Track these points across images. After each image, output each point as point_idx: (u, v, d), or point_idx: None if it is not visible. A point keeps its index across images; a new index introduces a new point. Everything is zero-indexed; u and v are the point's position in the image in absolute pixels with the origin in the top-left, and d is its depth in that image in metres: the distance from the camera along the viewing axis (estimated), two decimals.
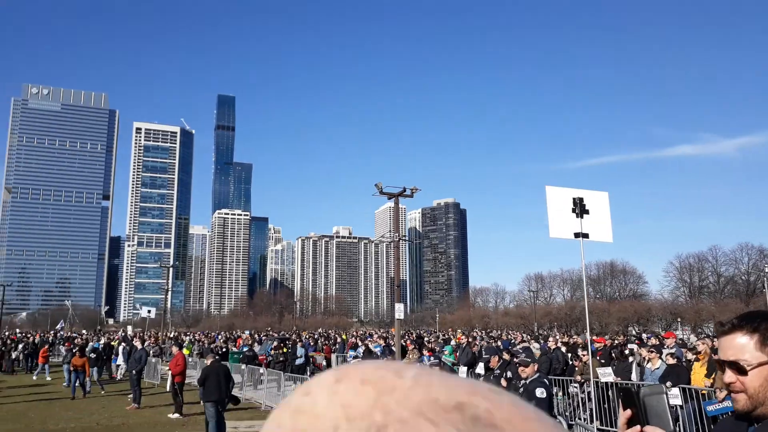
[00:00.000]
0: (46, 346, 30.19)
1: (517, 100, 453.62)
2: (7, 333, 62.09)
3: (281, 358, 24.24)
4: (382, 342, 28.70)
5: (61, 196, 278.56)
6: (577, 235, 11.98)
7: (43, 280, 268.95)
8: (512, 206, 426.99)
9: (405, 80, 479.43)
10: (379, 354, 23.52)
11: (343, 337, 42.09)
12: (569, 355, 18.69)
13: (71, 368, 20.25)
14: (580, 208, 11.99)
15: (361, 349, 24.78)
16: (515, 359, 10.00)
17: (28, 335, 50.20)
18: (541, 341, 31.04)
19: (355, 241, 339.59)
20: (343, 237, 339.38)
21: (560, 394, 14.52)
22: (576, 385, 14.44)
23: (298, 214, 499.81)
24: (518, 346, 18.33)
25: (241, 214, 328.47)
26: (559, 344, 21.69)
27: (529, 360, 7.99)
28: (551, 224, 11.99)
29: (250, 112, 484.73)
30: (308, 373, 22.16)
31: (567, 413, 14.15)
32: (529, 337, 42.39)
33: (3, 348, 33.65)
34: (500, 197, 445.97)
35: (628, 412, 1.86)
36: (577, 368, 15.28)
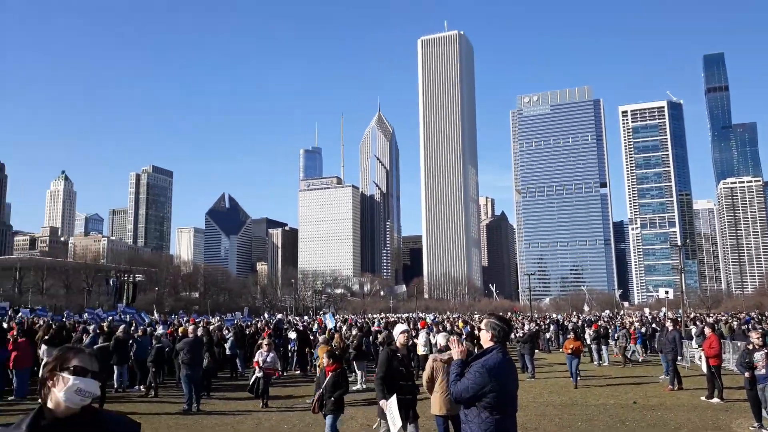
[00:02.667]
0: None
1: None
2: (537, 316, 69.98)
3: None
4: None
5: (562, 189, 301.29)
6: None
7: (558, 267, 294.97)
8: None
9: None
10: None
11: None
12: None
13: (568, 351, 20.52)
14: None
15: None
16: None
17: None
18: None
19: None
20: None
21: None
22: None
23: None
24: None
25: (750, 181, 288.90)
26: None
27: None
28: None
29: (743, 66, 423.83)
30: None
31: None
32: None
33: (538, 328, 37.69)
34: None
35: None
36: None
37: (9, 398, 15.08)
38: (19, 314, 30.86)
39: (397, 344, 8.87)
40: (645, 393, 16.94)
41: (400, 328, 9.38)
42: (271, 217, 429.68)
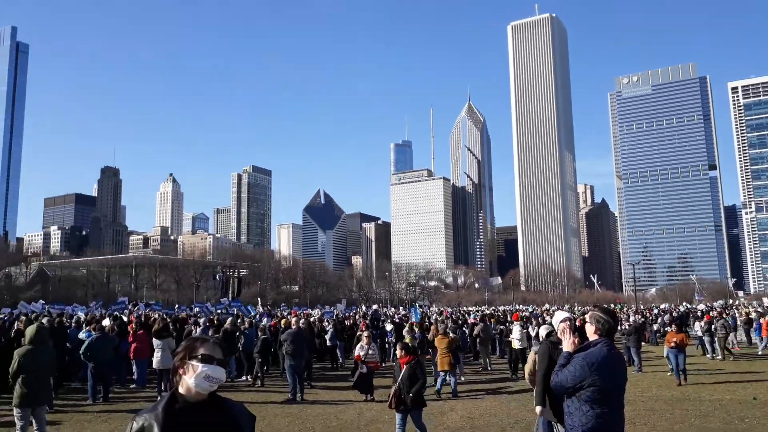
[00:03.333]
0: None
1: None
2: (642, 307, 66.73)
3: None
4: None
5: (667, 173, 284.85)
6: None
7: (664, 256, 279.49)
8: None
9: None
10: None
11: None
12: None
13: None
14: None
15: None
16: None
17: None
18: None
19: None
20: None
21: None
22: None
23: None
24: None
25: None
26: None
27: None
28: None
29: None
30: None
31: None
32: None
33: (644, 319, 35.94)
34: None
35: None
36: None
37: (131, 386, 16.34)
38: (137, 308, 33.29)
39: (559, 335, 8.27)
40: (766, 389, 15.73)
41: (560, 315, 8.96)
42: (364, 212, 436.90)
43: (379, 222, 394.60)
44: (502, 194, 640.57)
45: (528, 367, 8.26)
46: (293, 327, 16.24)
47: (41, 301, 37.71)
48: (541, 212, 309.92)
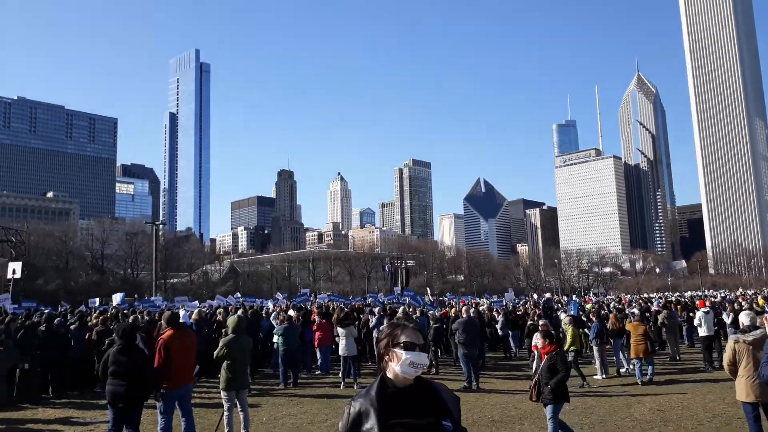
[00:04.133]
0: None
1: None
2: None
3: None
4: None
5: None
6: None
7: None
8: None
9: None
10: None
11: None
12: None
13: None
14: None
15: None
16: None
17: None
18: None
19: None
20: None
21: None
22: None
23: None
24: None
25: None
26: None
27: None
28: None
29: None
30: None
31: None
32: None
33: None
34: None
35: None
36: None
37: (316, 372, 17.51)
38: (318, 299, 35.59)
39: None
40: None
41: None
42: (527, 198, 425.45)
43: (544, 207, 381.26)
44: (681, 170, 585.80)
45: (727, 356, 7.55)
46: (464, 316, 16.28)
47: (237, 294, 41.76)
48: (730, 187, 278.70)
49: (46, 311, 21.33)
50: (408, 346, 2.82)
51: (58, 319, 16.78)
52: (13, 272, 26.93)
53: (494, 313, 25.09)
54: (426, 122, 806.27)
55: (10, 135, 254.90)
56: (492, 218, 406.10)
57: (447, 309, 25.14)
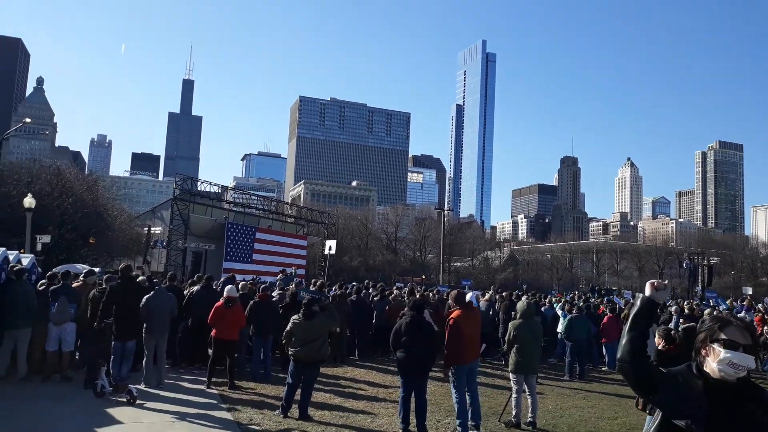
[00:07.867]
0: None
1: None
2: None
3: None
4: None
5: None
6: None
7: None
8: None
9: None
10: None
11: None
12: None
13: None
14: None
15: None
16: None
17: None
18: None
19: None
20: None
21: None
22: None
23: None
24: None
25: None
26: None
27: None
28: None
29: None
30: None
31: None
32: None
33: None
34: None
35: None
36: None
37: (603, 369, 16.73)
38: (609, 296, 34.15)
39: None
40: None
41: None
42: None
43: None
44: None
45: None
46: None
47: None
48: None
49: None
50: (728, 345, 2.54)
51: (363, 291, 19.07)
52: (329, 248, 31.27)
53: None
54: (736, 97, 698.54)
55: (324, 131, 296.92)
56: None
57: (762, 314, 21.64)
